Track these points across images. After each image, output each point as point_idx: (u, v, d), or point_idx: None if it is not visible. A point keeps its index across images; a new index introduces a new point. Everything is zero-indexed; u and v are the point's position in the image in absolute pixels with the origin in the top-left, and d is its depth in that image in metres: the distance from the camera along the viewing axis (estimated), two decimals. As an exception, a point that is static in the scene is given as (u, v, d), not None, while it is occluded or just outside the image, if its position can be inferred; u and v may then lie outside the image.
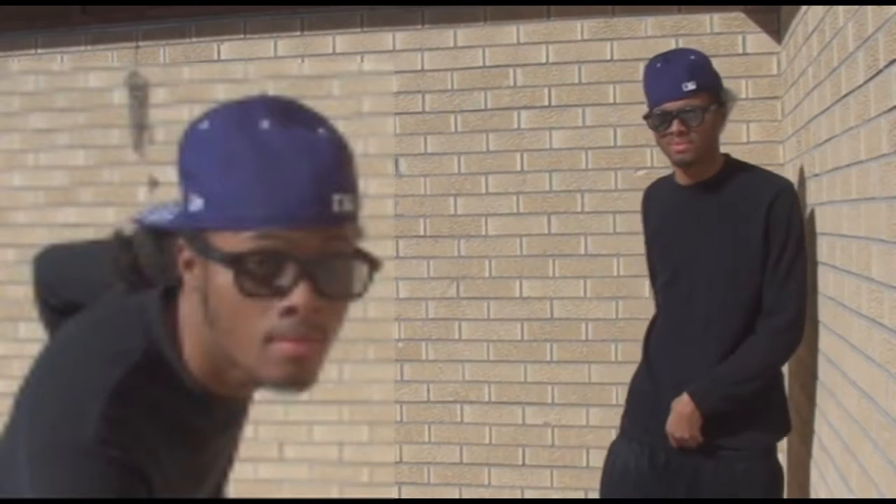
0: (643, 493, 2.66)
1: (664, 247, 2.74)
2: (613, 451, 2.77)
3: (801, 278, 2.53)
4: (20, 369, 1.24)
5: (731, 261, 2.55)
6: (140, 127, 4.06)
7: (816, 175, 2.65)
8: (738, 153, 3.55)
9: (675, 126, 2.50)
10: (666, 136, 2.53)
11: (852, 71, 2.08)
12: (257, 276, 0.98)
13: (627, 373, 2.93)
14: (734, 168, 2.65)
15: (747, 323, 2.55)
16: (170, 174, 3.79)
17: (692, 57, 2.55)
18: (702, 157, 2.55)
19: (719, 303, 2.57)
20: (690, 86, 2.48)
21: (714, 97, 2.54)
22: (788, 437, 2.90)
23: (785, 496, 3.40)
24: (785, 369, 3.60)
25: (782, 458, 3.48)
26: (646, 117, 2.60)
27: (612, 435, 2.90)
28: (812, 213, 2.75)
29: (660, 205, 2.79)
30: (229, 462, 1.30)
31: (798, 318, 2.52)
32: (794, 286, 2.51)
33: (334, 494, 3.93)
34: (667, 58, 2.57)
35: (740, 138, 3.55)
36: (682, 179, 2.67)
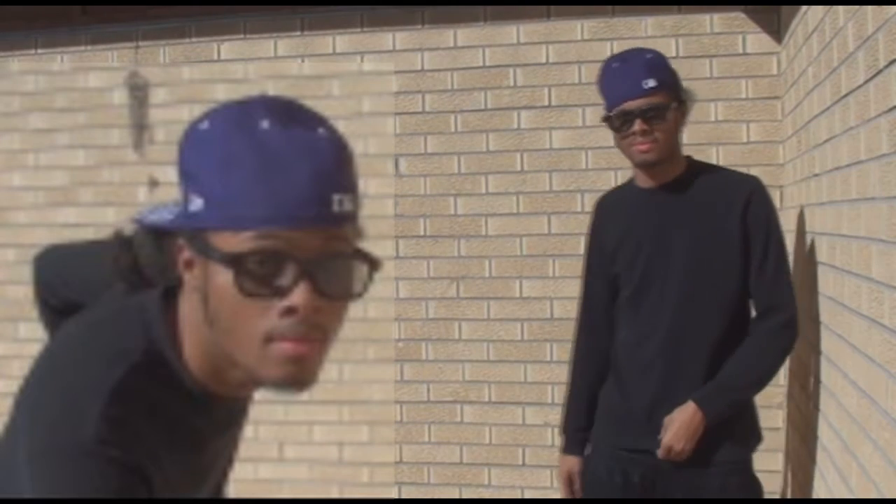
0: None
1: (632, 256, 2.55)
2: (587, 468, 2.64)
3: (789, 274, 2.49)
4: (20, 369, 1.24)
5: (708, 262, 2.45)
6: (140, 127, 4.06)
7: (816, 175, 2.65)
8: (738, 153, 3.56)
9: (638, 125, 2.40)
10: (628, 137, 2.43)
11: (852, 71, 2.08)
12: (257, 276, 0.98)
13: (627, 373, 2.93)
14: (699, 168, 2.57)
15: (728, 326, 2.46)
16: (170, 174, 3.79)
17: (649, 55, 2.46)
18: (665, 156, 2.46)
19: (697, 307, 2.46)
20: (651, 83, 2.40)
21: (674, 95, 2.46)
22: (788, 437, 2.90)
23: (785, 496, 3.40)
24: (784, 370, 3.60)
25: (783, 458, 3.48)
26: (605, 119, 2.50)
27: (612, 435, 2.90)
28: (813, 213, 2.75)
29: (621, 213, 2.62)
30: (229, 462, 1.30)
31: (795, 314, 2.46)
32: (786, 282, 2.46)
33: (334, 494, 3.93)
34: (623, 57, 2.49)
35: (740, 138, 3.55)
36: (644, 182, 2.55)
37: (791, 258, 3.31)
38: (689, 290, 2.46)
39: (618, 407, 2.58)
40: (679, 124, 2.49)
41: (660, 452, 2.42)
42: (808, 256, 2.82)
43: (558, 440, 3.79)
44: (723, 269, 2.45)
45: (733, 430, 2.46)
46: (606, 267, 2.62)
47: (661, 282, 2.49)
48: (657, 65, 2.45)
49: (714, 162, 3.53)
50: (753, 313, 2.52)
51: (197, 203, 1.01)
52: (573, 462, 2.68)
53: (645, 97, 2.40)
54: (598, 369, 2.66)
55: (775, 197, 3.50)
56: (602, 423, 2.65)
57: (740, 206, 2.44)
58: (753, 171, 3.52)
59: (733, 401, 2.44)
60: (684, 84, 2.53)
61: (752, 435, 2.53)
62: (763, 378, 2.46)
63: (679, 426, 2.40)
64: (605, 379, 2.65)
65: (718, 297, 2.46)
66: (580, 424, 2.69)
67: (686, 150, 3.79)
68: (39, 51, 4.19)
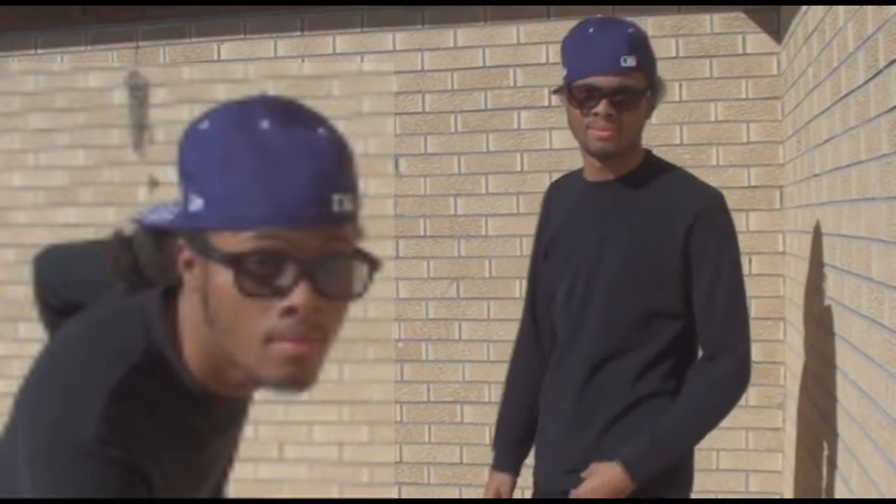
0: None
1: (566, 254, 2.23)
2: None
3: (743, 309, 2.13)
4: (20, 369, 1.24)
5: (638, 278, 2.12)
6: (140, 127, 4.06)
7: (816, 175, 2.65)
8: (738, 153, 3.56)
9: (603, 106, 2.04)
10: (588, 117, 2.07)
11: (852, 71, 2.08)
12: (257, 276, 0.98)
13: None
14: (655, 167, 2.21)
15: (663, 350, 2.14)
16: (170, 174, 3.79)
17: (631, 30, 2.10)
18: (625, 149, 2.12)
19: (625, 324, 2.13)
20: (630, 61, 2.05)
21: (650, 81, 2.11)
22: (788, 437, 2.89)
23: (786, 496, 3.40)
24: (784, 370, 3.61)
25: (782, 458, 3.48)
26: (558, 91, 2.16)
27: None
28: (813, 213, 2.75)
29: (565, 205, 2.29)
30: (229, 462, 1.30)
31: (746, 357, 2.12)
32: (738, 320, 2.12)
33: (334, 494, 3.93)
34: (603, 25, 2.11)
35: (740, 138, 3.55)
36: (592, 175, 2.21)
37: (791, 258, 3.31)
38: (616, 304, 2.14)
39: (540, 428, 2.29)
40: (647, 115, 2.16)
41: (573, 493, 2.13)
42: (808, 256, 2.82)
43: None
44: (655, 289, 2.12)
45: (670, 471, 2.13)
46: (543, 264, 2.33)
47: (588, 291, 2.17)
48: (639, 42, 2.10)
49: (714, 162, 3.54)
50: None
51: (197, 203, 1.01)
52: (502, 480, 2.35)
53: (619, 75, 2.05)
54: (535, 377, 2.35)
55: (775, 197, 3.51)
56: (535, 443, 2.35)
57: (681, 232, 2.10)
58: (753, 172, 3.56)
59: (667, 462, 2.10)
60: (662, 73, 2.24)
61: (686, 477, 2.21)
62: (703, 434, 2.14)
63: (600, 486, 2.08)
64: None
65: (649, 317, 2.12)
66: (513, 438, 2.37)
67: (686, 150, 3.77)
68: (39, 51, 4.19)
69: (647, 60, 2.11)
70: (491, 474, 2.38)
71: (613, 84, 2.05)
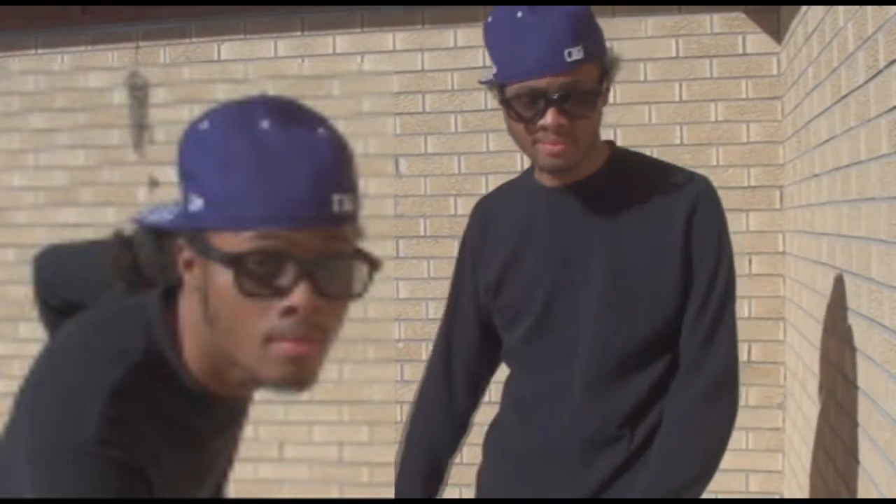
0: None
1: (528, 278, 1.79)
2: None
3: (733, 314, 1.75)
4: (20, 369, 1.24)
5: (638, 291, 1.72)
6: (140, 127, 4.06)
7: (816, 175, 2.65)
8: (738, 153, 3.56)
9: (552, 117, 1.62)
10: (536, 132, 1.66)
11: (852, 71, 2.08)
12: (257, 276, 0.99)
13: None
14: (624, 160, 1.82)
15: (664, 374, 1.74)
16: (170, 174, 3.78)
17: (570, 8, 1.65)
18: (583, 157, 1.71)
19: (623, 351, 1.73)
20: (576, 53, 1.60)
21: (603, 68, 1.69)
22: (788, 437, 2.89)
23: (785, 496, 3.40)
24: (784, 370, 3.61)
25: (783, 458, 3.48)
26: (503, 101, 1.67)
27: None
28: (813, 213, 2.75)
29: (511, 224, 1.85)
30: (229, 462, 1.30)
31: (735, 367, 1.74)
32: (728, 326, 1.73)
33: (334, 494, 3.93)
34: (534, 8, 1.62)
35: (740, 138, 3.55)
36: (551, 179, 1.80)
37: (791, 258, 3.31)
38: (611, 331, 1.73)
39: (514, 453, 1.93)
40: (604, 103, 1.72)
41: None
42: (808, 256, 2.82)
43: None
44: (657, 306, 1.72)
45: None
46: (481, 298, 1.90)
47: (572, 319, 1.76)
48: (583, 24, 1.65)
49: (714, 162, 3.54)
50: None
51: (197, 203, 1.01)
52: None
53: (566, 74, 1.61)
54: (440, 430, 2.08)
55: (775, 197, 3.51)
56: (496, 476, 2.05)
57: (682, 218, 1.71)
58: (753, 172, 3.56)
59: None
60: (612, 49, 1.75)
61: None
62: (707, 474, 1.71)
63: None
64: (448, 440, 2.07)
65: (651, 338, 1.73)
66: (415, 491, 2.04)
67: (686, 151, 3.78)
68: (39, 51, 4.19)
69: (595, 45, 1.67)
70: None
71: (560, 85, 1.61)
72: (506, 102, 1.67)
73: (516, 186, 1.94)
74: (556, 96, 1.61)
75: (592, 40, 1.67)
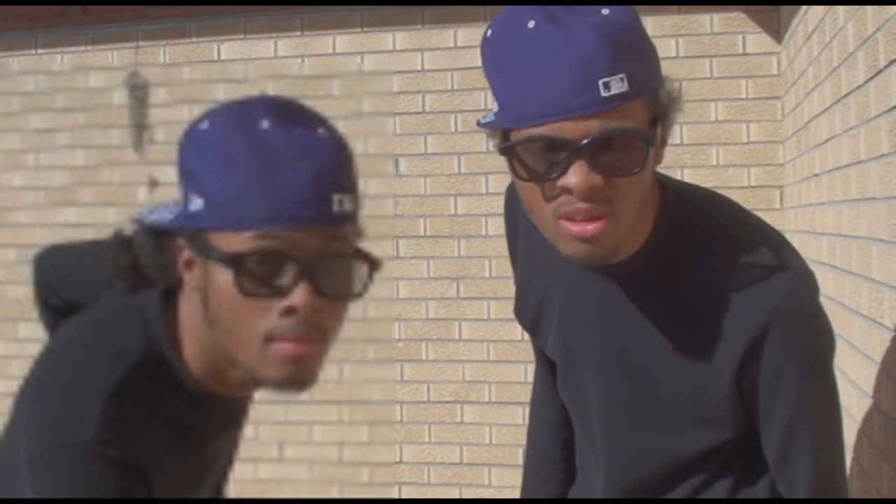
0: None
1: (552, 336, 1.40)
2: None
3: (830, 449, 1.28)
4: (20, 369, 1.24)
5: (676, 407, 1.27)
6: (140, 127, 4.06)
7: (816, 175, 2.65)
8: (738, 153, 3.56)
9: (579, 174, 1.06)
10: (558, 198, 1.09)
11: (852, 71, 2.08)
12: (257, 276, 0.99)
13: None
14: (685, 224, 1.24)
15: (714, 472, 1.31)
16: (170, 174, 3.78)
17: (607, 13, 1.07)
18: (623, 241, 1.16)
19: (648, 463, 1.33)
20: (616, 85, 1.05)
21: (657, 106, 1.12)
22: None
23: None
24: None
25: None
26: (503, 150, 1.11)
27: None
28: (813, 213, 2.75)
29: (537, 263, 1.39)
30: (229, 462, 1.30)
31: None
32: (805, 464, 1.24)
33: (334, 494, 3.93)
34: (553, 13, 1.07)
35: (740, 138, 3.55)
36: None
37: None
38: (643, 447, 1.32)
39: None
40: (658, 161, 1.16)
41: None
42: (808, 256, 2.82)
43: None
44: (699, 426, 1.28)
45: None
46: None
47: (596, 421, 1.37)
48: (626, 39, 1.07)
49: (714, 162, 3.54)
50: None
51: (197, 203, 1.01)
52: None
53: (601, 116, 1.05)
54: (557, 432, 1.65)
55: (775, 197, 3.51)
56: None
57: (742, 344, 1.20)
58: (753, 172, 3.56)
59: None
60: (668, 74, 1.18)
61: None
62: None
63: None
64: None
65: (691, 455, 1.30)
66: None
67: (686, 150, 3.77)
68: (39, 51, 4.19)
69: (645, 72, 1.09)
70: None
71: (594, 132, 1.05)
72: (509, 152, 1.11)
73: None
74: (585, 142, 1.05)
75: (642, 64, 1.09)
